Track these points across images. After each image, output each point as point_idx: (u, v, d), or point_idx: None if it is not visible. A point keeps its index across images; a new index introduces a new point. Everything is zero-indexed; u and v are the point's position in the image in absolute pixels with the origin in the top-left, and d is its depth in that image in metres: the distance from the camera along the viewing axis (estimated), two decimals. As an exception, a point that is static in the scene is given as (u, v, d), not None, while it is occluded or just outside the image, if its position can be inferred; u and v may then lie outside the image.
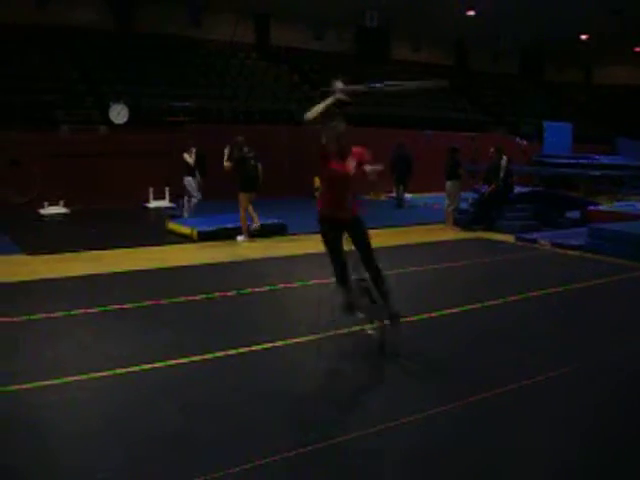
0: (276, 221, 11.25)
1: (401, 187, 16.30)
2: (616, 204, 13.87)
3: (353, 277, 5.16)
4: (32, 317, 5.94)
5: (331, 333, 5.34)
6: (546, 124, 23.13)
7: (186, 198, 12.49)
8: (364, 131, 17.33)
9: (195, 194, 12.24)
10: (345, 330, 5.53)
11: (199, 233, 10.43)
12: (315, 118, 4.79)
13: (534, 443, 3.67)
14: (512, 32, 24.05)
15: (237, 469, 3.29)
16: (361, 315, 5.24)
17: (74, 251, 9.41)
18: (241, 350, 5.12)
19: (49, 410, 4.05)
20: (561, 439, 3.75)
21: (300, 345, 5.31)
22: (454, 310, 6.39)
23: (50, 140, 14.18)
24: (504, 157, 12.30)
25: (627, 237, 9.26)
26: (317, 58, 23.00)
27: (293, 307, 6.78)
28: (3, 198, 12.94)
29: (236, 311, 6.41)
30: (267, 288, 7.18)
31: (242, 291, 7.04)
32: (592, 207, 12.56)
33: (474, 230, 11.79)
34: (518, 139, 22.19)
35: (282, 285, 7.40)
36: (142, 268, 8.39)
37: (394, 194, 16.73)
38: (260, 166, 10.72)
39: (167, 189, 15.04)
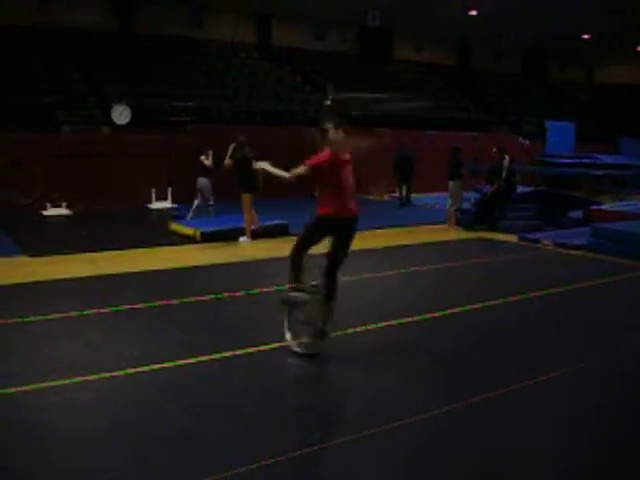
0: (279, 222, 11.25)
1: (404, 187, 16.31)
2: (619, 203, 13.84)
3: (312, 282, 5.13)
4: (26, 319, 5.89)
5: (338, 333, 5.35)
6: (548, 123, 23.05)
7: (196, 201, 12.25)
8: (364, 131, 17.54)
9: (210, 197, 12.17)
10: (350, 330, 5.56)
11: (202, 234, 10.43)
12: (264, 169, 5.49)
13: (538, 443, 3.68)
14: (514, 31, 24.01)
15: (243, 469, 3.31)
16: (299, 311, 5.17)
17: (75, 253, 9.38)
18: (249, 350, 5.14)
19: (49, 412, 4.05)
20: (565, 439, 3.76)
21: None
22: (456, 310, 6.40)
23: (52, 141, 14.16)
24: (506, 157, 12.30)
25: (630, 237, 9.26)
26: (319, 58, 22.95)
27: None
28: (7, 199, 12.95)
29: (244, 311, 6.43)
30: (275, 288, 7.19)
31: (250, 291, 7.05)
32: (595, 207, 12.56)
33: (477, 230, 11.78)
34: (520, 139, 22.15)
35: (289, 285, 7.39)
36: (154, 268, 8.39)
37: (397, 194, 16.74)
38: None
39: (169, 190, 15.03)
